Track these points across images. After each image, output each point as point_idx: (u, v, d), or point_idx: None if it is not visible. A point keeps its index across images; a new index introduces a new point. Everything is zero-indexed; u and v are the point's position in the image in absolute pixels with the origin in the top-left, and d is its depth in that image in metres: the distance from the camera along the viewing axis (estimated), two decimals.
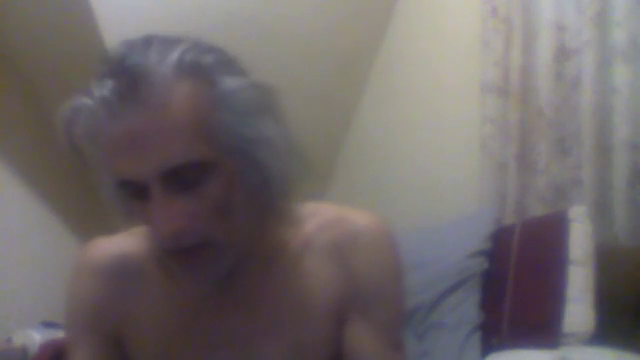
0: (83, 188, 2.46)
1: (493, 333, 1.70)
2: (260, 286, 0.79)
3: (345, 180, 2.83)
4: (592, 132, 1.84)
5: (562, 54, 1.94)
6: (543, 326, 1.59)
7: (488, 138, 2.10)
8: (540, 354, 1.48)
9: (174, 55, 0.64)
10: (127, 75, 0.62)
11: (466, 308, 1.77)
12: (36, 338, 1.94)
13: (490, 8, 2.10)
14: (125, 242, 0.85)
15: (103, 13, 1.86)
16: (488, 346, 1.68)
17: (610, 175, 1.81)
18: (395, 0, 2.52)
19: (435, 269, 1.81)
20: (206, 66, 0.67)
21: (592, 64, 1.84)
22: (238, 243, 0.72)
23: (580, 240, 1.66)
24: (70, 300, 0.84)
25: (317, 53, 2.38)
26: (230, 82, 0.68)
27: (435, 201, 2.32)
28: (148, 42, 0.66)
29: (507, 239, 1.82)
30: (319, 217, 0.82)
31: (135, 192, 0.67)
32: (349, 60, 2.54)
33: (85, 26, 1.88)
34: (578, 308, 1.57)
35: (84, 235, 2.39)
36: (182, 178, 0.65)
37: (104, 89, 0.63)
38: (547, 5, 1.96)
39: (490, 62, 2.10)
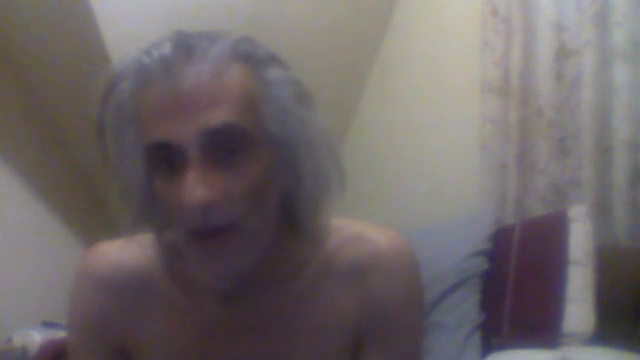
0: (83, 187, 2.47)
1: (493, 333, 1.70)
2: (277, 309, 0.76)
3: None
4: (592, 132, 1.84)
5: (562, 54, 1.94)
6: (543, 326, 1.59)
7: (488, 138, 2.10)
8: (540, 354, 1.48)
9: (229, 40, 0.67)
10: (185, 44, 0.65)
11: (466, 308, 1.77)
12: (36, 338, 1.93)
13: (490, 8, 2.10)
14: (132, 251, 0.79)
15: (103, 13, 1.86)
16: (488, 346, 1.68)
17: (610, 175, 1.81)
18: (395, 0, 2.52)
19: (435, 269, 1.81)
20: (257, 57, 0.69)
21: (592, 64, 1.84)
22: (263, 239, 0.69)
23: (580, 240, 1.66)
24: (72, 313, 0.80)
25: (317, 53, 2.38)
26: (277, 74, 0.70)
27: (435, 201, 2.32)
28: (202, 31, 0.68)
29: (507, 239, 1.82)
30: (339, 234, 0.77)
31: (166, 163, 0.65)
32: (349, 60, 2.53)
33: (85, 26, 1.88)
34: (578, 308, 1.57)
35: (84, 235, 2.39)
36: (222, 149, 0.64)
37: (163, 49, 0.64)
38: (547, 5, 1.96)
39: (490, 62, 2.10)
